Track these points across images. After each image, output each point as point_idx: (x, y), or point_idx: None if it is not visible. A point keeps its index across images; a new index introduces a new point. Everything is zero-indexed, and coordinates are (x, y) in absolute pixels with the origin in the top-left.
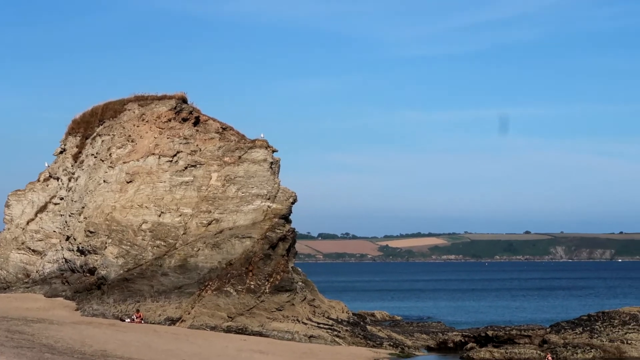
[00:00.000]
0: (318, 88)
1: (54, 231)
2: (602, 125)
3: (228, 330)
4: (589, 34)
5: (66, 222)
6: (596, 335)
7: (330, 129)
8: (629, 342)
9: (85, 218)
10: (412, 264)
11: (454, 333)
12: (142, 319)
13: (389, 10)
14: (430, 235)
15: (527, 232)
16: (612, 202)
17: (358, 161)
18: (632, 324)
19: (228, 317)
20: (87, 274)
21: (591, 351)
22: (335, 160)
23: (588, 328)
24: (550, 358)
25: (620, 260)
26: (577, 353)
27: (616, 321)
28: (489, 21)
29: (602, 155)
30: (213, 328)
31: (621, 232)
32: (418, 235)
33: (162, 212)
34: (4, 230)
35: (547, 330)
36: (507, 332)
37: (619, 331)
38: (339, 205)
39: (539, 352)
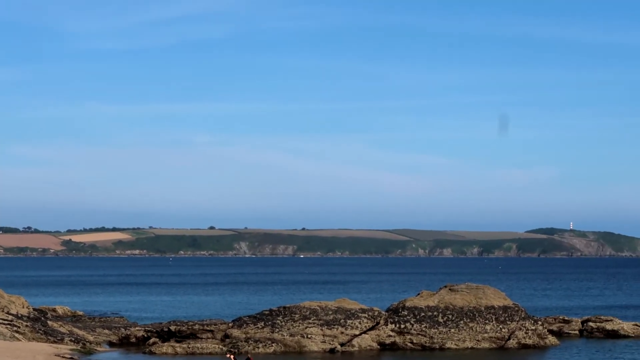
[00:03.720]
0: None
1: None
2: (287, 123)
3: None
4: (277, 32)
5: None
6: (277, 329)
7: (9, 121)
8: (309, 336)
9: None
10: (95, 259)
11: (137, 328)
12: None
13: (78, 1)
14: (114, 229)
15: (212, 228)
16: (295, 200)
17: (41, 154)
18: (312, 319)
19: None
20: None
21: (272, 345)
22: (16, 152)
23: (269, 323)
24: (232, 358)
25: (302, 256)
26: (258, 347)
27: (297, 316)
28: (178, 17)
29: (287, 152)
30: None
31: (303, 229)
32: (102, 229)
33: None
34: None
35: (230, 324)
36: (190, 327)
37: (299, 325)
38: (20, 198)
39: (221, 346)
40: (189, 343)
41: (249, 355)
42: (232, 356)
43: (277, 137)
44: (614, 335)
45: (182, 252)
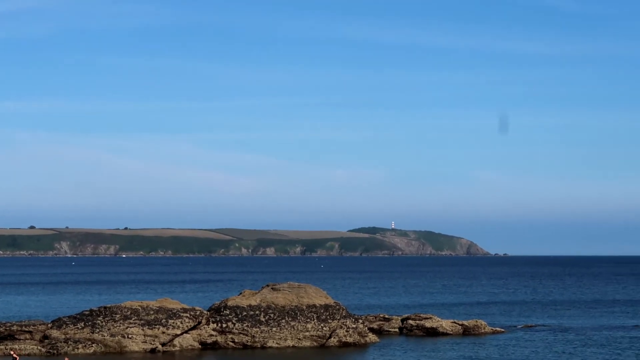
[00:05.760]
0: None
1: None
2: (111, 122)
3: None
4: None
5: None
6: (97, 330)
7: None
8: (130, 336)
9: None
10: None
11: None
12: None
13: None
14: None
15: (32, 227)
16: (118, 199)
17: None
18: (133, 319)
19: None
20: None
21: (92, 346)
22: None
23: (90, 323)
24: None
25: (124, 256)
26: (78, 348)
27: (118, 316)
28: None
29: (111, 151)
30: None
31: (126, 228)
32: None
33: None
34: None
35: (49, 325)
36: (8, 328)
37: (120, 326)
38: None
39: (39, 347)
40: (6, 344)
41: (66, 358)
42: (15, 355)
43: (100, 136)
44: (433, 332)
45: (0, 252)
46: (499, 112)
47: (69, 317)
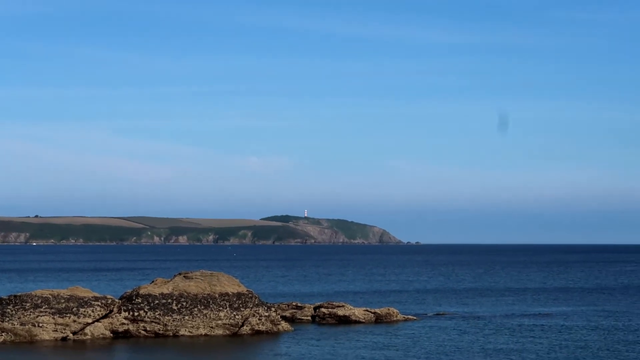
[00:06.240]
0: None
1: None
2: (23, 109)
3: None
4: (8, 15)
5: None
6: (7, 318)
7: None
8: (41, 325)
9: None
10: None
11: None
12: None
13: None
14: None
15: None
16: (28, 186)
17: None
18: (44, 307)
19: None
20: None
21: (2, 335)
22: None
23: None
24: None
25: (35, 244)
26: None
27: (28, 304)
28: None
29: (21, 138)
30: None
31: (37, 216)
32: None
33: None
34: None
35: None
36: None
37: (30, 314)
38: None
39: None
40: None
41: None
42: None
43: (9, 123)
44: (346, 320)
45: None
46: (412, 101)
47: None
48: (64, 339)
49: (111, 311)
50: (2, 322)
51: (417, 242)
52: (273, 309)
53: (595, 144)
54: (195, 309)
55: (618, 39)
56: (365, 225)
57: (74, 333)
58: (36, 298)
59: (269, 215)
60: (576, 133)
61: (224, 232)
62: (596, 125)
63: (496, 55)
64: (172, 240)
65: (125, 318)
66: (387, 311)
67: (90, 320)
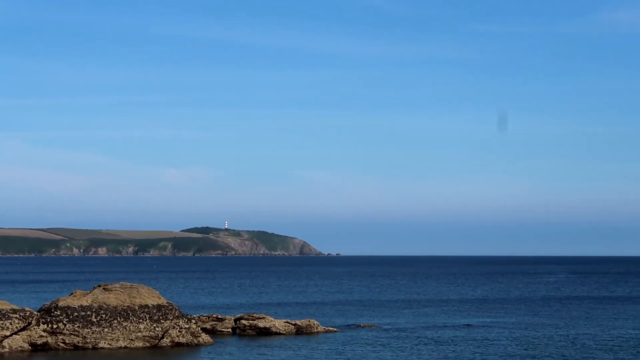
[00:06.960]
0: None
1: None
2: None
3: None
4: None
5: None
6: None
7: None
8: None
9: None
10: None
11: None
12: None
13: None
14: None
15: None
16: None
17: None
18: None
19: None
20: None
21: None
22: None
23: None
24: None
25: None
26: None
27: None
28: None
29: None
30: None
31: None
32: None
33: None
34: None
35: None
36: None
37: None
38: None
39: None
40: None
41: None
42: None
43: None
44: (266, 332)
45: None
46: (328, 112)
47: None
48: None
49: (29, 324)
50: None
51: (338, 254)
52: (193, 321)
53: (516, 157)
54: (115, 321)
55: (532, 50)
56: (285, 237)
57: None
58: None
59: (189, 227)
60: (489, 146)
61: (144, 243)
62: (514, 138)
63: (416, 66)
64: (92, 252)
65: (44, 330)
66: (308, 323)
67: (8, 333)
